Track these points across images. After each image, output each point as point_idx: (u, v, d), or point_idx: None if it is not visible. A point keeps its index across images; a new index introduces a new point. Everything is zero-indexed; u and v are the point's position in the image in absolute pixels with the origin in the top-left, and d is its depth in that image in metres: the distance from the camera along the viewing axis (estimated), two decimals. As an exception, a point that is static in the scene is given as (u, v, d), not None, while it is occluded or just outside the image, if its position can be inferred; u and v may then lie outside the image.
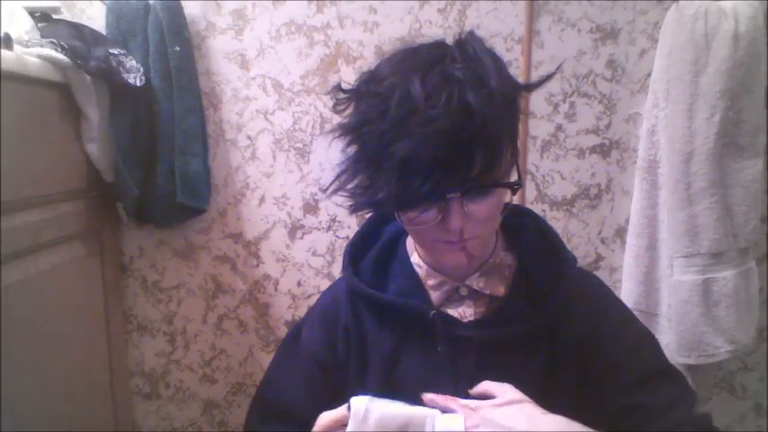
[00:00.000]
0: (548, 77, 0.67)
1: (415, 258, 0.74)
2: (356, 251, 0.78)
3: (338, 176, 0.61)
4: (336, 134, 0.61)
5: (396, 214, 0.64)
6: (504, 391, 0.62)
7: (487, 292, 0.70)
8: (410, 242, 0.76)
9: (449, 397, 0.62)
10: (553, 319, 0.69)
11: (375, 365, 0.72)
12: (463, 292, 0.71)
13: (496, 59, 0.60)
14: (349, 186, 0.61)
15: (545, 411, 0.60)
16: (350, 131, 0.60)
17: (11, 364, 0.90)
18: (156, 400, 1.42)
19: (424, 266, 0.73)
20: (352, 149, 0.61)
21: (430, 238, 0.64)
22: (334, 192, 0.61)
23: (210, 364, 1.41)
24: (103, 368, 1.27)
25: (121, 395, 1.35)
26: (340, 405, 0.61)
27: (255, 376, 1.41)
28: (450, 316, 0.70)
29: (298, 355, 0.78)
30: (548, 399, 0.62)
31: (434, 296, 0.72)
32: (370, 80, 0.61)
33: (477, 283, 0.70)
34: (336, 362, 0.74)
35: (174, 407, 1.43)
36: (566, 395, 0.65)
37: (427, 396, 0.63)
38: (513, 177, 0.65)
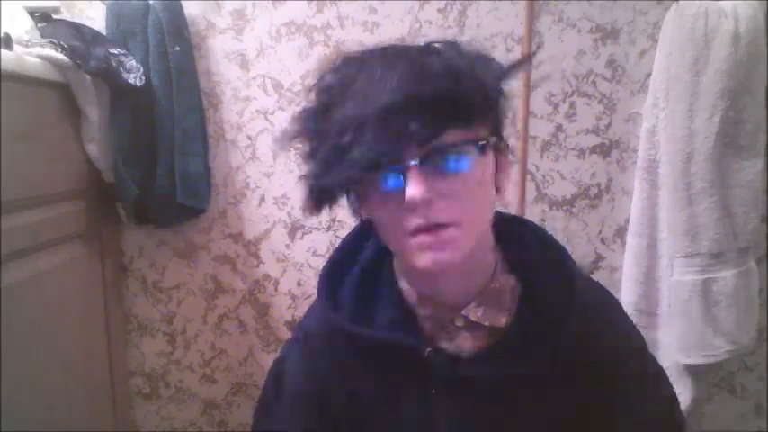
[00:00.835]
0: (529, 56, 0.62)
1: (403, 284, 0.65)
2: (335, 275, 0.67)
3: (307, 166, 0.57)
4: (296, 128, 0.58)
5: (360, 210, 0.61)
6: None
7: (487, 323, 0.62)
8: (398, 264, 0.66)
9: None
10: (566, 352, 0.59)
11: (362, 413, 0.64)
12: (459, 322, 0.62)
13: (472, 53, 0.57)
14: (313, 171, 0.56)
15: None
16: (309, 120, 0.57)
17: (11, 364, 0.90)
18: (156, 400, 1.42)
19: (415, 294, 0.64)
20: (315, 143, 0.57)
21: (399, 234, 0.55)
22: (308, 182, 0.57)
23: (210, 364, 1.41)
24: (103, 368, 1.27)
25: (121, 395, 1.35)
26: None
27: (255, 376, 1.41)
28: (449, 353, 0.62)
29: (283, 400, 0.70)
30: None
31: (427, 327, 0.63)
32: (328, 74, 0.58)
33: (474, 312, 0.61)
34: (325, 405, 0.66)
35: (174, 407, 1.43)
36: None
37: None
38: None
